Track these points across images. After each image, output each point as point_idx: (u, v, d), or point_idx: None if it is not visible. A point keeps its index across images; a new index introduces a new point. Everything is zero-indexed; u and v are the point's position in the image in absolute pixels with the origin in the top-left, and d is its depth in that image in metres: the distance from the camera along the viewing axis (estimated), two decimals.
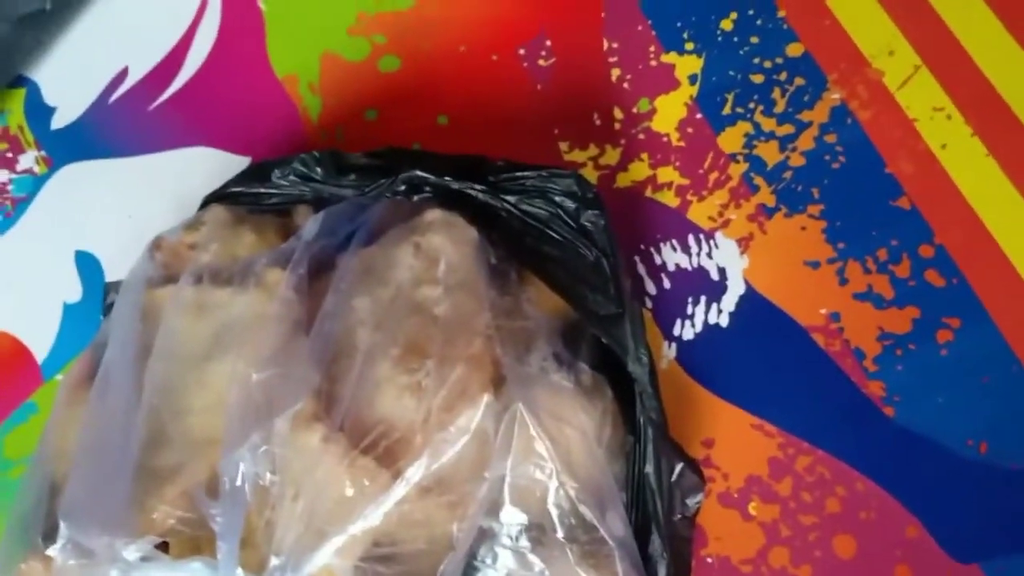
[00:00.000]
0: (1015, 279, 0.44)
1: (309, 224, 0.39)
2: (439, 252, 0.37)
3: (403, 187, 0.40)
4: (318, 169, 0.42)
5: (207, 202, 0.42)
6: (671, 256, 0.47)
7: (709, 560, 0.42)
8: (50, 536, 0.36)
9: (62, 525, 0.34)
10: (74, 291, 0.49)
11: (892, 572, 0.40)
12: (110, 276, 0.49)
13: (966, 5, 0.48)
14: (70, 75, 0.54)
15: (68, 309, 0.48)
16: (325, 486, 0.31)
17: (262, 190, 0.41)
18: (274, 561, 0.30)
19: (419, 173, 0.39)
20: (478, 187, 0.39)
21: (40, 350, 0.48)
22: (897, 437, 0.42)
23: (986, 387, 0.42)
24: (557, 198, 0.39)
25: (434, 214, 0.39)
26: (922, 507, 0.41)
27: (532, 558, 0.33)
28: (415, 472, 0.31)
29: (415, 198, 0.41)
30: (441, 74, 0.50)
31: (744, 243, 0.46)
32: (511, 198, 0.39)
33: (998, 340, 0.43)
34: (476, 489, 0.32)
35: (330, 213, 0.40)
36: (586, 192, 0.39)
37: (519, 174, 0.39)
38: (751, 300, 0.45)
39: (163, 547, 0.34)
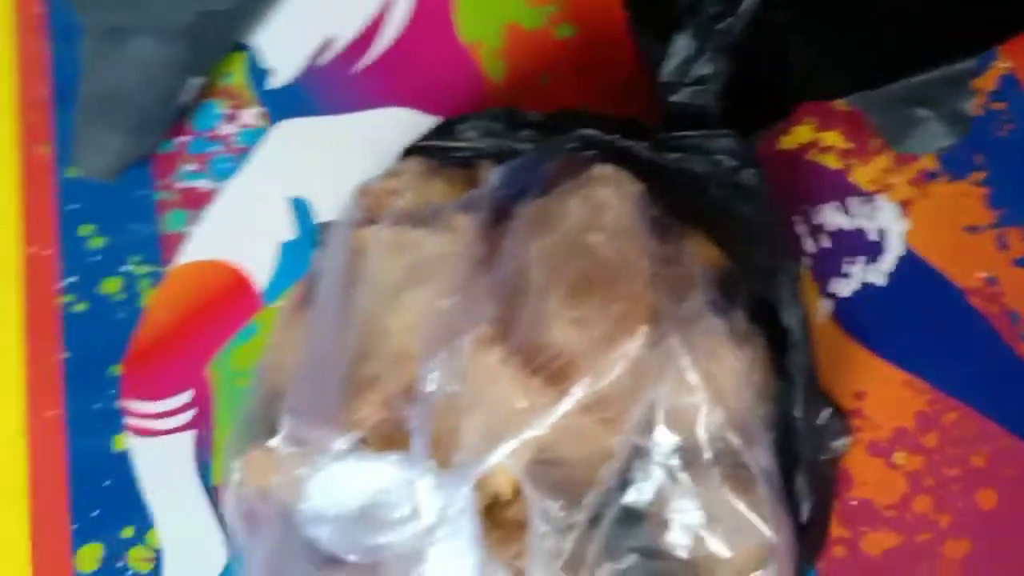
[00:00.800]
0: None
1: (492, 176, 0.45)
2: (605, 203, 0.42)
3: (574, 144, 0.45)
4: (498, 125, 0.47)
5: (404, 155, 0.49)
6: (830, 217, 0.50)
7: (853, 503, 0.45)
8: (271, 433, 0.44)
9: (284, 420, 0.41)
10: (289, 231, 0.57)
11: None
12: (320, 219, 0.57)
13: None
14: (283, 43, 0.62)
15: (285, 247, 0.57)
16: (501, 399, 0.36)
17: (451, 144, 0.47)
18: (458, 458, 0.36)
19: (589, 132, 0.44)
20: (642, 145, 0.44)
21: (260, 281, 0.56)
22: None
23: None
24: (716, 156, 0.43)
25: (602, 169, 0.44)
26: None
27: (681, 476, 0.37)
28: (578, 391, 0.36)
29: (584, 154, 0.46)
30: (612, 41, 0.55)
31: (905, 206, 0.48)
32: (673, 155, 0.43)
33: None
34: (632, 409, 0.36)
35: (509, 167, 0.46)
36: (744, 151, 0.42)
37: (680, 134, 0.43)
38: (910, 261, 0.48)
39: (364, 444, 0.40)
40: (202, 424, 0.53)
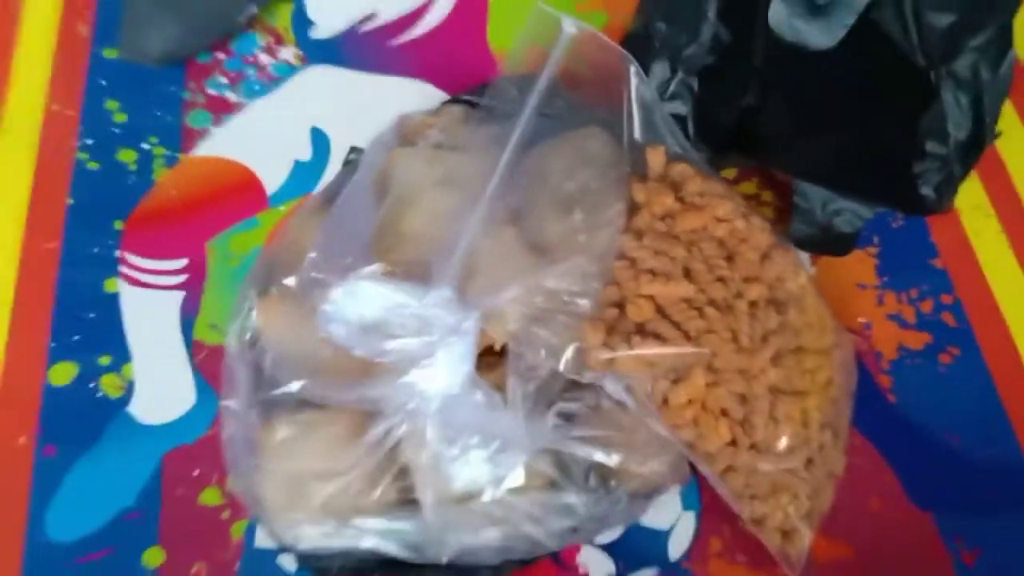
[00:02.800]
0: (1006, 331, 0.61)
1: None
2: (591, 150, 0.54)
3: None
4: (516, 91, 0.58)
5: (445, 103, 0.60)
6: None
7: None
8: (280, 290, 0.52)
9: (309, 256, 0.49)
10: (305, 153, 0.67)
11: (868, 502, 0.56)
12: (334, 152, 0.67)
13: None
14: (331, 2, 0.74)
15: (298, 164, 0.66)
16: (509, 262, 0.47)
17: (483, 102, 0.59)
18: (471, 296, 0.46)
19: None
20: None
21: (270, 186, 0.65)
22: (893, 415, 0.58)
23: (968, 399, 0.59)
24: None
25: (589, 129, 0.56)
26: (899, 464, 0.56)
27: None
28: (561, 266, 0.47)
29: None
30: None
31: (814, 258, 0.63)
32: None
33: (983, 369, 0.59)
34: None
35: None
36: None
37: None
38: None
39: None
40: (192, 287, 0.61)
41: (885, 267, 0.63)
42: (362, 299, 0.47)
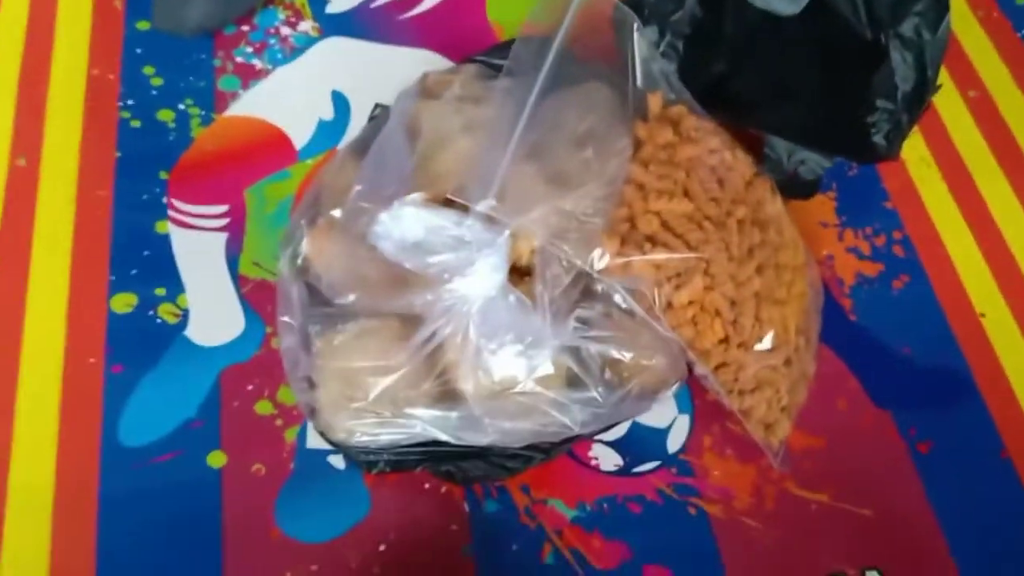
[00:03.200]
0: (948, 259, 0.71)
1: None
2: (598, 96, 0.62)
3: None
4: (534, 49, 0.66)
5: (463, 62, 0.68)
6: None
7: None
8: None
9: (356, 189, 0.57)
10: (328, 113, 0.74)
11: (835, 402, 0.65)
12: (354, 112, 0.74)
13: None
14: None
15: (321, 123, 0.73)
16: (531, 190, 0.55)
17: (495, 61, 0.67)
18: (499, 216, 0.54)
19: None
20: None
21: (298, 142, 0.72)
22: (854, 331, 0.67)
23: (916, 316, 0.68)
24: None
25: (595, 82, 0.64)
26: (860, 370, 0.66)
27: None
28: (577, 193, 0.55)
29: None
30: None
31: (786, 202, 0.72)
32: None
33: (930, 291, 0.69)
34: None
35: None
36: None
37: None
38: None
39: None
40: (234, 230, 0.68)
41: (843, 208, 0.73)
42: (407, 222, 0.54)
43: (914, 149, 0.76)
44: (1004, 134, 0.77)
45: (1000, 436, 0.63)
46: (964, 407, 0.65)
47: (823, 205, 0.73)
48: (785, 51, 0.73)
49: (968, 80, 0.80)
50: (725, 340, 0.56)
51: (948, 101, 0.79)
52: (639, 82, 0.59)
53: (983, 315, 0.68)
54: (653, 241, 0.53)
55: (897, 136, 0.68)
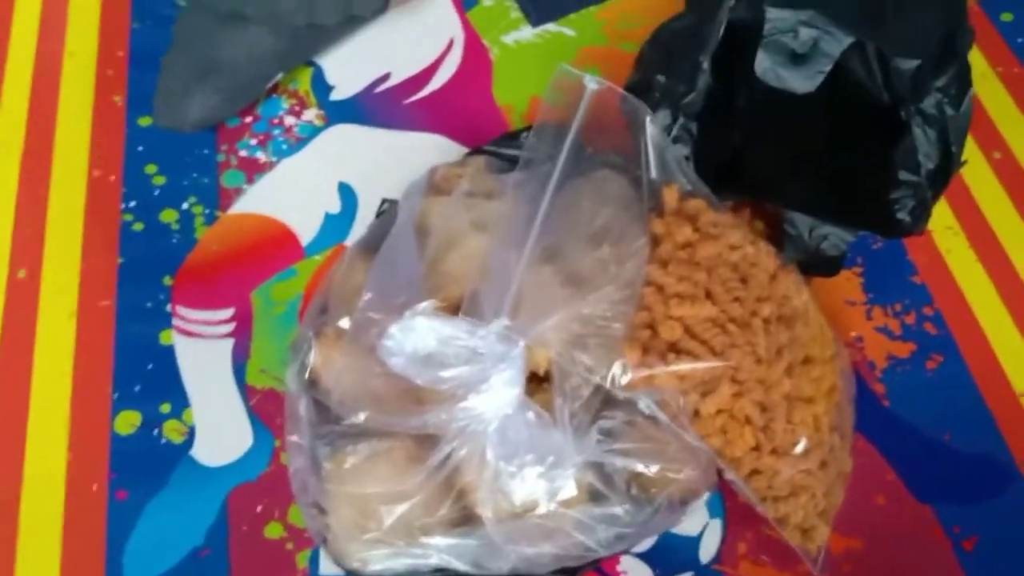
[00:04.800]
0: (982, 335, 0.67)
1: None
2: (610, 190, 0.59)
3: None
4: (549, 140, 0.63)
5: (469, 154, 0.65)
6: None
7: None
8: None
9: (365, 297, 0.54)
10: (335, 206, 0.71)
11: (874, 498, 0.60)
12: (362, 204, 0.71)
13: None
14: (348, 68, 0.79)
15: (328, 217, 0.70)
16: (548, 294, 0.52)
17: (506, 151, 0.64)
18: (517, 324, 0.50)
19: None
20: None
21: (304, 238, 0.69)
22: (889, 418, 0.63)
23: (954, 399, 0.64)
24: None
25: (605, 172, 0.61)
26: (898, 463, 0.61)
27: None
28: (594, 297, 0.51)
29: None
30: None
31: (808, 279, 0.69)
32: None
33: (965, 371, 0.65)
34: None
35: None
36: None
37: None
38: None
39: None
40: (241, 335, 0.64)
41: (870, 284, 0.69)
42: (418, 333, 0.51)
43: (940, 218, 0.72)
44: None
45: None
46: (1009, 497, 0.60)
47: (849, 281, 0.69)
48: (802, 123, 0.70)
49: (991, 141, 0.77)
50: (757, 448, 0.52)
51: (972, 163, 0.75)
52: (653, 173, 0.55)
53: (1022, 395, 0.64)
54: (676, 350, 0.50)
55: (923, 213, 0.64)
